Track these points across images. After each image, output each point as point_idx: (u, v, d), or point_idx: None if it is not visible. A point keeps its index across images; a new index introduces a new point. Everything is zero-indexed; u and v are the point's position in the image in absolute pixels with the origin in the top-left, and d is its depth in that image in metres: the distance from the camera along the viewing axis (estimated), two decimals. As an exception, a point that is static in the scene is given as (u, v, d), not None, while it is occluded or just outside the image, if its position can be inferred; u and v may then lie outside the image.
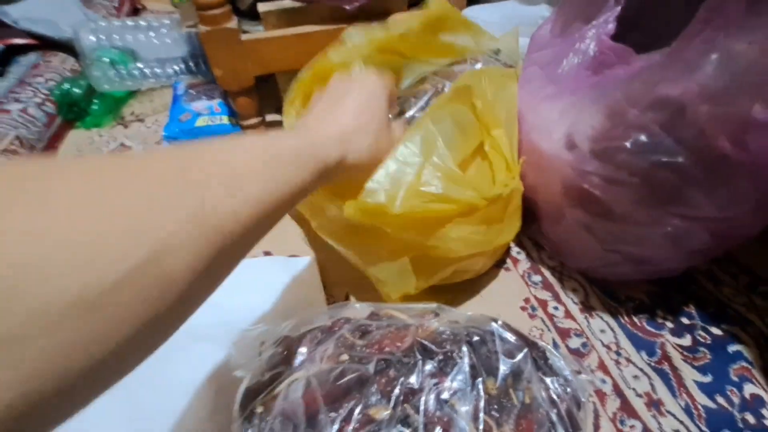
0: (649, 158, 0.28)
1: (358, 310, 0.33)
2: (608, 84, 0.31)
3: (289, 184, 0.21)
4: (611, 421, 0.32)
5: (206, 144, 0.19)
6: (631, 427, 0.31)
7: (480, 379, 0.26)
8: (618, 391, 0.33)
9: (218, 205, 0.16)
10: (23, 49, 0.79)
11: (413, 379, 0.25)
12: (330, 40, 0.54)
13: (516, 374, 0.27)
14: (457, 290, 0.41)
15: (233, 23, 0.51)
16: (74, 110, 0.69)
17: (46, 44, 0.81)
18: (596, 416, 0.32)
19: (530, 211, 0.43)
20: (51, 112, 0.68)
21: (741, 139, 0.23)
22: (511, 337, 0.29)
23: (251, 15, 0.57)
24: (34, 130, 0.64)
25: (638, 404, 0.33)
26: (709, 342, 0.36)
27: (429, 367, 0.26)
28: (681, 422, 0.32)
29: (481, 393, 0.25)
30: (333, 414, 0.25)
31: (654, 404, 0.33)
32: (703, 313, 0.39)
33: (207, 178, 0.17)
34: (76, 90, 0.68)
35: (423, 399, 0.24)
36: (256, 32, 0.55)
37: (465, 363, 0.26)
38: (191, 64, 0.74)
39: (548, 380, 0.28)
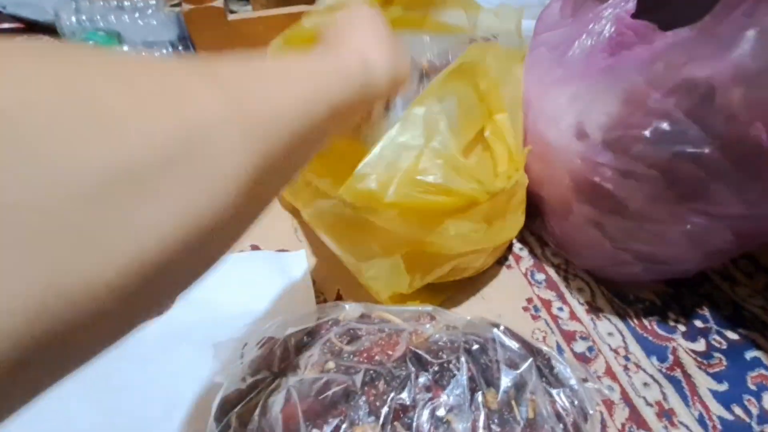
0: (670, 149, 0.25)
1: (348, 311, 0.31)
2: (626, 66, 0.28)
3: (325, 101, 0.19)
4: (620, 433, 0.30)
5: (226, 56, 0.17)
6: (641, 439, 0.29)
7: (479, 392, 0.24)
8: (627, 400, 0.31)
9: (257, 103, 0.14)
10: (10, 34, 0.76)
11: (405, 394, 0.22)
12: (323, 20, 0.51)
13: (519, 386, 0.25)
14: (455, 289, 0.38)
15: (219, 2, 0.48)
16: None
17: (32, 28, 0.77)
18: (603, 427, 0.30)
19: (534, 205, 0.40)
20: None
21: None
22: (513, 345, 0.27)
23: (239, -7, 0.54)
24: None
25: (649, 414, 0.30)
26: (724, 347, 0.34)
27: (423, 379, 0.23)
28: (695, 434, 0.29)
29: (481, 408, 0.23)
30: (315, 431, 0.23)
31: (665, 414, 0.30)
32: (718, 315, 0.36)
33: (239, 78, 0.15)
34: (58, 74, 0.65)
35: (415, 416, 0.22)
36: (244, 12, 0.52)
37: (463, 374, 0.24)
38: (180, 48, 0.71)
39: (554, 392, 0.26)
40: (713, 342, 0.35)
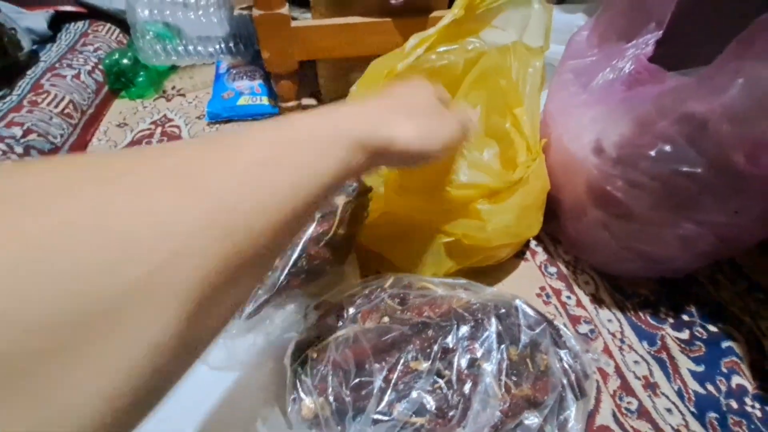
0: (670, 166, 0.32)
1: (392, 281, 0.37)
2: (639, 98, 0.34)
3: (314, 169, 0.18)
4: (611, 397, 0.36)
5: (219, 136, 0.18)
6: (629, 403, 0.36)
7: (504, 345, 0.30)
8: (619, 373, 0.38)
9: (237, 201, 0.14)
10: (72, 17, 0.83)
11: (449, 339, 0.29)
12: (374, 32, 0.57)
13: (535, 344, 0.31)
14: (481, 276, 0.45)
15: (285, 9, 0.55)
16: (121, 80, 0.73)
17: (93, 14, 0.84)
18: (598, 391, 0.36)
19: (551, 209, 0.46)
20: (100, 80, 0.72)
21: (755, 156, 0.26)
22: (532, 313, 0.33)
23: (301, 2, 0.60)
24: (85, 95, 0.67)
25: (636, 385, 0.37)
26: (705, 337, 0.40)
27: (463, 331, 0.30)
28: (673, 403, 0.36)
29: (505, 357, 0.30)
30: (378, 365, 0.29)
31: (650, 386, 0.37)
32: (702, 312, 0.43)
33: (222, 173, 0.14)
34: (125, 60, 0.72)
35: (456, 357, 0.28)
36: (305, 19, 0.58)
37: (492, 330, 0.30)
38: (231, 44, 0.77)
39: (562, 353, 0.32)
40: (696, 333, 0.41)
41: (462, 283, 0.35)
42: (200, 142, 0.18)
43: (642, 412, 0.35)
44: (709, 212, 0.32)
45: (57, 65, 0.69)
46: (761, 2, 0.25)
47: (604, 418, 0.35)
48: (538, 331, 0.31)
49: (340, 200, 0.41)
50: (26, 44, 0.72)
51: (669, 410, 0.35)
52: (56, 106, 0.62)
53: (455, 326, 0.30)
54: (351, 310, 0.34)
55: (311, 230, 0.37)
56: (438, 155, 0.26)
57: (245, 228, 0.14)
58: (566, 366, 0.31)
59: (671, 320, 0.42)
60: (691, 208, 0.33)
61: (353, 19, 0.57)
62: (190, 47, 0.74)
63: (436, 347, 0.29)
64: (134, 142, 0.64)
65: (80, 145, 0.63)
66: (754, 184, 0.28)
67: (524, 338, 0.31)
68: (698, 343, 0.40)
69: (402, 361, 0.28)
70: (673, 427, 0.34)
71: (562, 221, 0.46)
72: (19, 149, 0.54)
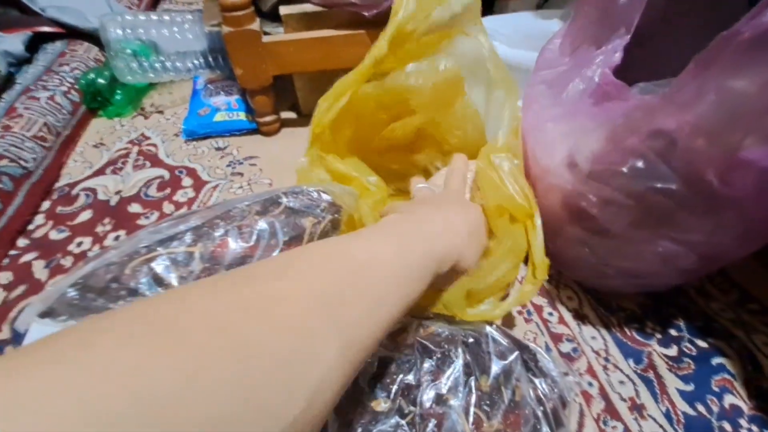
0: (644, 183, 0.30)
1: None
2: (608, 113, 0.33)
3: (417, 292, 0.21)
4: (595, 421, 0.34)
5: (341, 257, 0.18)
6: (613, 428, 0.34)
7: (473, 377, 0.29)
8: (604, 394, 0.36)
9: (360, 332, 0.16)
10: (49, 37, 0.82)
11: (411, 376, 0.27)
12: (348, 44, 0.56)
13: (507, 373, 0.29)
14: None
15: (255, 25, 0.53)
16: (98, 99, 0.72)
17: (71, 33, 0.83)
18: (581, 416, 0.35)
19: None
20: (76, 101, 0.71)
21: (727, 175, 0.25)
22: (503, 340, 0.32)
23: (272, 16, 0.59)
24: (60, 117, 0.66)
25: (622, 408, 0.35)
26: (694, 353, 0.39)
27: (427, 365, 0.28)
28: (660, 426, 0.34)
29: (473, 389, 0.28)
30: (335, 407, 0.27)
31: (636, 408, 0.35)
32: (691, 325, 0.41)
33: (350, 306, 0.16)
34: (101, 80, 0.71)
35: (420, 394, 0.27)
36: (277, 34, 0.57)
37: (459, 362, 0.29)
38: (210, 59, 0.76)
39: (537, 381, 0.30)
40: (684, 348, 0.39)
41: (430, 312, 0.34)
42: (327, 269, 0.18)
43: (626, 439, 0.33)
44: (687, 230, 0.30)
45: (32, 87, 0.69)
46: (726, 13, 0.24)
47: (586, 446, 0.33)
48: (510, 359, 0.30)
49: (308, 222, 0.40)
50: (2, 67, 0.71)
51: (655, 435, 0.34)
52: (29, 130, 0.61)
53: (419, 360, 0.28)
54: None
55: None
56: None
57: (363, 349, 0.17)
58: (541, 395, 0.30)
59: (658, 335, 0.40)
60: (669, 226, 0.31)
61: (326, 33, 0.56)
62: (168, 63, 0.73)
63: (396, 385, 0.27)
64: (110, 162, 0.63)
65: (55, 167, 0.62)
66: (728, 203, 0.27)
67: (495, 368, 0.29)
68: (687, 359, 0.38)
69: (360, 402, 0.27)
70: (659, 454, 0.33)
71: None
72: (-11, 177, 0.53)
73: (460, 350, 0.29)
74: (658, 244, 0.33)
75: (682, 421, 0.34)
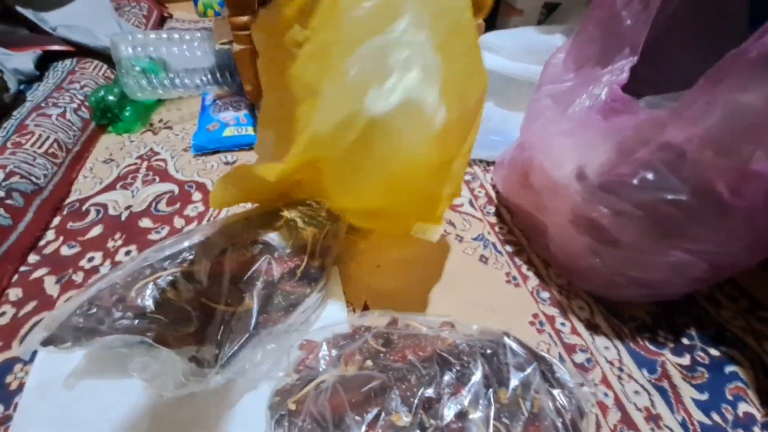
0: (654, 194, 0.31)
1: (376, 318, 0.36)
2: (617, 128, 0.33)
3: None
4: (612, 433, 0.34)
5: None
6: (630, 439, 0.34)
7: (492, 389, 0.29)
8: (619, 405, 0.36)
9: None
10: (59, 56, 0.83)
11: (432, 390, 0.28)
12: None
13: (525, 385, 0.30)
14: (470, 303, 0.43)
15: (265, 43, 0.55)
16: (108, 116, 0.73)
17: (81, 51, 0.85)
18: (598, 427, 0.34)
19: (538, 230, 0.45)
20: (86, 117, 0.72)
21: (737, 186, 0.26)
22: (521, 351, 0.32)
23: (281, 34, 0.60)
24: (70, 134, 0.67)
25: (638, 418, 0.35)
26: (707, 362, 0.39)
27: (447, 377, 0.28)
28: (677, 437, 0.34)
29: (492, 402, 0.28)
30: (358, 418, 0.28)
31: (653, 418, 0.35)
32: (703, 334, 0.41)
33: None
34: (111, 97, 0.72)
35: (441, 407, 0.27)
36: (286, 51, 0.58)
37: (479, 374, 0.29)
38: (218, 75, 0.78)
39: (555, 392, 0.30)
40: (697, 357, 0.39)
41: (448, 320, 0.34)
42: None
43: (644, 450, 0.33)
44: (697, 240, 0.31)
45: (43, 105, 0.70)
46: (733, 29, 0.25)
47: (604, 458, 0.33)
48: (528, 371, 0.30)
49: (309, 233, 0.41)
50: (12, 86, 0.72)
51: (672, 446, 0.33)
52: (40, 147, 0.62)
53: (438, 372, 0.29)
54: (334, 352, 0.33)
55: (278, 271, 0.37)
56: None
57: None
58: (560, 406, 0.30)
59: (671, 345, 0.40)
60: (680, 237, 0.32)
61: (334, 49, 0.57)
62: (177, 80, 0.75)
63: (417, 399, 0.27)
64: (120, 178, 0.64)
65: (65, 183, 0.62)
66: (738, 214, 0.27)
67: (514, 379, 0.29)
68: (700, 368, 0.38)
69: (383, 415, 0.27)
70: (678, 464, 0.33)
71: (550, 245, 0.45)
72: (1, 193, 0.54)
73: (479, 362, 0.29)
74: (669, 254, 0.33)
75: (698, 430, 0.34)
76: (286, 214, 0.41)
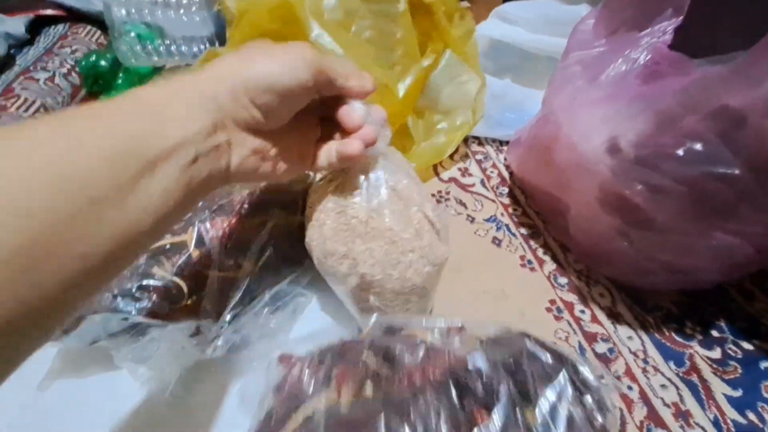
0: (701, 168, 0.27)
1: (372, 324, 0.30)
2: (660, 92, 0.30)
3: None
4: (638, 429, 0.31)
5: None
6: (658, 436, 0.31)
7: (517, 408, 0.23)
8: (645, 399, 0.33)
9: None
10: (51, 21, 0.79)
11: (448, 427, 0.22)
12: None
13: (556, 398, 0.25)
14: (480, 289, 0.40)
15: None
16: (99, 83, 0.69)
17: (74, 16, 0.80)
18: (623, 422, 0.32)
19: (558, 211, 0.42)
20: (76, 84, 0.68)
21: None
22: (544, 356, 0.27)
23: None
24: (59, 99, 0.64)
25: (666, 414, 0.32)
26: (739, 356, 0.36)
27: (467, 405, 0.23)
28: (709, 435, 0.31)
29: (522, 426, 0.23)
30: None
31: (682, 415, 0.32)
32: (734, 327, 0.38)
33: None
34: (103, 63, 0.68)
35: None
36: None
37: (506, 396, 0.24)
38: (216, 43, 0.74)
39: (584, 399, 0.26)
40: (729, 351, 0.36)
41: (456, 324, 0.29)
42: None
43: (674, 449, 0.31)
44: (746, 221, 0.28)
45: (31, 68, 0.66)
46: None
47: (631, 456, 0.30)
48: (558, 379, 0.26)
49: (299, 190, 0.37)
50: (2, 49, 0.68)
51: (705, 445, 0.31)
52: (26, 110, 0.58)
53: (457, 401, 0.23)
54: (321, 372, 0.27)
55: (272, 234, 0.33)
56: (308, 79, 0.23)
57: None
58: (590, 413, 0.26)
59: (699, 337, 0.37)
60: (725, 216, 0.29)
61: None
62: (173, 47, 0.70)
63: None
64: (112, 149, 0.60)
65: (53, 153, 0.59)
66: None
67: (543, 395, 0.25)
68: (732, 363, 0.35)
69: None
70: (711, 466, 0.30)
71: (571, 227, 0.42)
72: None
73: (503, 380, 0.25)
74: (711, 236, 0.30)
75: (732, 430, 0.32)
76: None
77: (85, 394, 0.32)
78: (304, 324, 0.37)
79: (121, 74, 0.69)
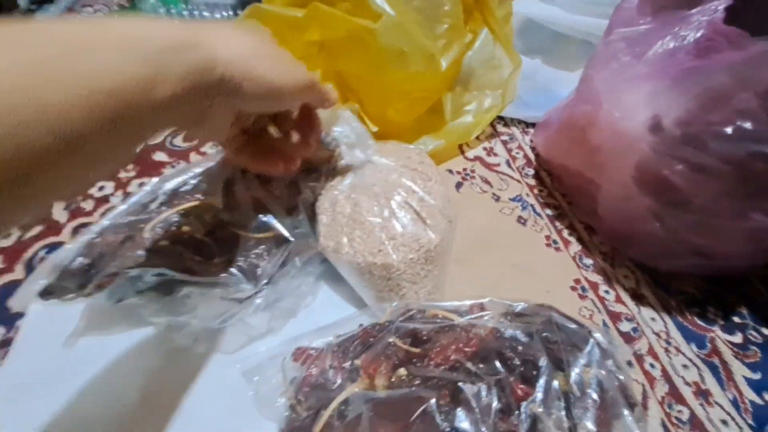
0: (749, 147, 0.27)
1: (392, 311, 0.30)
2: (712, 68, 0.29)
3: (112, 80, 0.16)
4: (659, 404, 0.32)
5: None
6: (679, 412, 0.32)
7: (556, 381, 0.24)
8: (667, 377, 0.34)
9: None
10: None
11: (497, 400, 0.22)
12: None
13: (587, 367, 0.26)
14: (506, 265, 0.41)
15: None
16: (121, 45, 0.68)
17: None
18: (645, 397, 0.32)
19: (587, 192, 0.42)
20: (98, 45, 0.67)
21: None
22: (572, 326, 0.27)
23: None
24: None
25: (686, 392, 0.33)
26: (760, 342, 0.36)
27: (512, 379, 0.23)
28: (728, 413, 0.32)
29: (560, 393, 0.24)
30: None
31: (702, 394, 0.33)
32: (755, 315, 0.39)
33: None
34: (126, 24, 0.67)
35: (515, 418, 0.22)
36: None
37: (545, 367, 0.24)
38: (239, 12, 0.72)
39: (606, 362, 0.27)
40: (750, 336, 0.37)
41: (479, 303, 0.29)
42: None
43: (695, 423, 0.31)
44: (791, 201, 0.28)
45: (52, 26, 0.65)
46: None
47: (653, 428, 0.31)
48: (588, 349, 0.26)
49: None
50: (23, 2, 0.67)
51: (725, 422, 0.31)
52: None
53: (501, 372, 0.24)
54: (346, 364, 0.26)
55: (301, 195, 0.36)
56: (291, 95, 0.24)
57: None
58: (613, 377, 0.26)
59: (721, 322, 0.38)
60: (766, 197, 0.29)
61: None
62: (196, 12, 0.69)
63: (492, 417, 0.22)
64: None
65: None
66: None
67: (574, 362, 0.25)
68: (753, 347, 0.36)
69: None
70: (729, 442, 0.31)
71: (600, 208, 0.42)
72: None
73: (541, 350, 0.25)
74: (749, 217, 0.30)
75: (750, 410, 0.32)
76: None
77: (111, 351, 0.32)
78: (326, 295, 0.37)
79: (143, 36, 0.68)
